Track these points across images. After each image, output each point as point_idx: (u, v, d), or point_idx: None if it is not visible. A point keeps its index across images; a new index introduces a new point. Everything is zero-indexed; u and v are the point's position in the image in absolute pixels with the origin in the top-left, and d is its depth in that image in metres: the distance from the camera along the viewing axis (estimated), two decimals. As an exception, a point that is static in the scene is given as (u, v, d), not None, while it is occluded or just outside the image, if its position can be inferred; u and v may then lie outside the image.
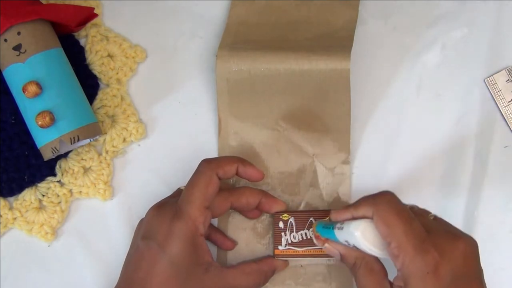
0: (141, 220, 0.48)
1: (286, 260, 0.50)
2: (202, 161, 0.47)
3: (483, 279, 0.42)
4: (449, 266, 0.40)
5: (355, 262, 0.45)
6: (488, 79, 0.55)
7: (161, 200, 0.48)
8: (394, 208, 0.42)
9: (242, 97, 0.52)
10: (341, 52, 0.50)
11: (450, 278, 0.40)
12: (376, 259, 0.44)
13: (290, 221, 0.50)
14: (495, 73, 0.55)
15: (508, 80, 0.55)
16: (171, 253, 0.44)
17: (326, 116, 0.52)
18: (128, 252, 0.47)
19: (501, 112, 0.55)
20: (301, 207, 0.52)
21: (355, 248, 0.43)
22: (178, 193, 0.49)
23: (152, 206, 0.47)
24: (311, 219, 0.50)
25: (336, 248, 0.46)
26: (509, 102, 0.54)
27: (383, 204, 0.42)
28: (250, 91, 0.52)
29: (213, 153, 0.54)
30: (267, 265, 0.49)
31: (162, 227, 0.44)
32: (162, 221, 0.45)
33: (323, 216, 0.49)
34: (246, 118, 0.53)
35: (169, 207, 0.45)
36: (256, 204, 0.49)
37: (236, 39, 0.53)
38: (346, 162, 0.52)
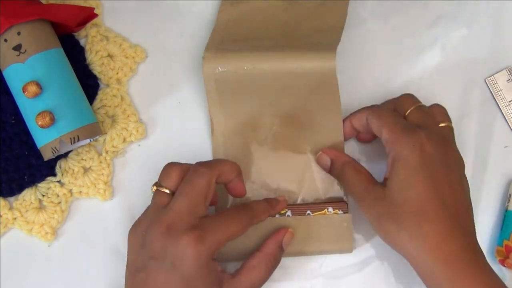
0: (136, 230, 0.46)
1: (291, 231, 0.50)
2: (201, 166, 0.46)
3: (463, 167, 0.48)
4: (433, 145, 0.46)
5: (343, 166, 0.50)
6: (489, 78, 0.55)
7: (161, 216, 0.44)
8: (384, 108, 0.50)
9: (232, 98, 0.52)
10: (326, 50, 0.50)
11: (431, 154, 0.46)
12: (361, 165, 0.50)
13: (288, 214, 0.51)
14: (495, 73, 0.55)
15: (509, 79, 0.55)
16: (187, 275, 0.43)
17: (317, 113, 0.52)
18: (132, 273, 0.45)
19: (501, 112, 0.55)
20: (298, 203, 0.52)
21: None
22: (161, 199, 0.46)
23: (156, 225, 0.44)
24: (308, 211, 0.50)
25: (328, 153, 0.51)
26: (509, 101, 0.54)
27: (375, 106, 0.51)
28: (239, 92, 0.52)
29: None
30: (271, 246, 0.48)
31: (177, 249, 0.43)
32: (175, 241, 0.43)
33: (320, 208, 0.50)
34: (238, 118, 0.52)
35: (180, 227, 0.43)
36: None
37: (223, 40, 0.53)
38: None
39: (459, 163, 0.48)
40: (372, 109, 0.50)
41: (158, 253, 0.43)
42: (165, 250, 0.43)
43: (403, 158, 0.46)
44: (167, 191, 0.46)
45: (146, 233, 0.45)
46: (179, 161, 0.47)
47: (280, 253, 0.49)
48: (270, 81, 0.51)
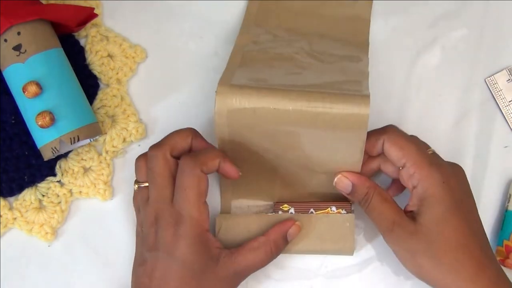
0: (137, 229, 0.48)
1: (298, 224, 0.49)
2: (185, 158, 0.45)
3: None
4: (456, 179, 0.46)
5: (368, 192, 0.47)
6: (489, 78, 0.55)
7: (147, 210, 0.46)
8: (403, 134, 0.47)
9: (245, 138, 0.47)
10: (359, 97, 0.45)
11: (458, 189, 0.46)
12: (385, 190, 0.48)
13: (291, 212, 0.51)
14: (495, 73, 0.55)
15: (509, 79, 0.55)
16: (182, 257, 0.44)
17: (336, 163, 0.48)
18: (136, 268, 0.47)
19: (501, 112, 0.55)
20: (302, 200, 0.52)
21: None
22: (143, 194, 0.47)
23: (146, 219, 0.46)
24: (311, 210, 0.50)
25: (349, 177, 0.48)
26: (509, 101, 0.54)
27: (392, 131, 0.47)
28: (254, 131, 0.47)
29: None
30: (275, 233, 0.48)
31: (167, 236, 0.44)
32: (165, 230, 0.44)
33: (324, 207, 0.50)
34: (250, 157, 0.49)
35: (166, 216, 0.45)
36: None
37: (240, 73, 0.48)
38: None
39: (470, 190, 0.48)
40: (388, 134, 0.47)
41: (152, 244, 0.45)
42: (158, 240, 0.45)
43: (436, 196, 0.45)
44: (146, 184, 0.47)
45: (143, 229, 0.47)
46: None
47: (283, 243, 0.48)
48: (290, 123, 0.45)
